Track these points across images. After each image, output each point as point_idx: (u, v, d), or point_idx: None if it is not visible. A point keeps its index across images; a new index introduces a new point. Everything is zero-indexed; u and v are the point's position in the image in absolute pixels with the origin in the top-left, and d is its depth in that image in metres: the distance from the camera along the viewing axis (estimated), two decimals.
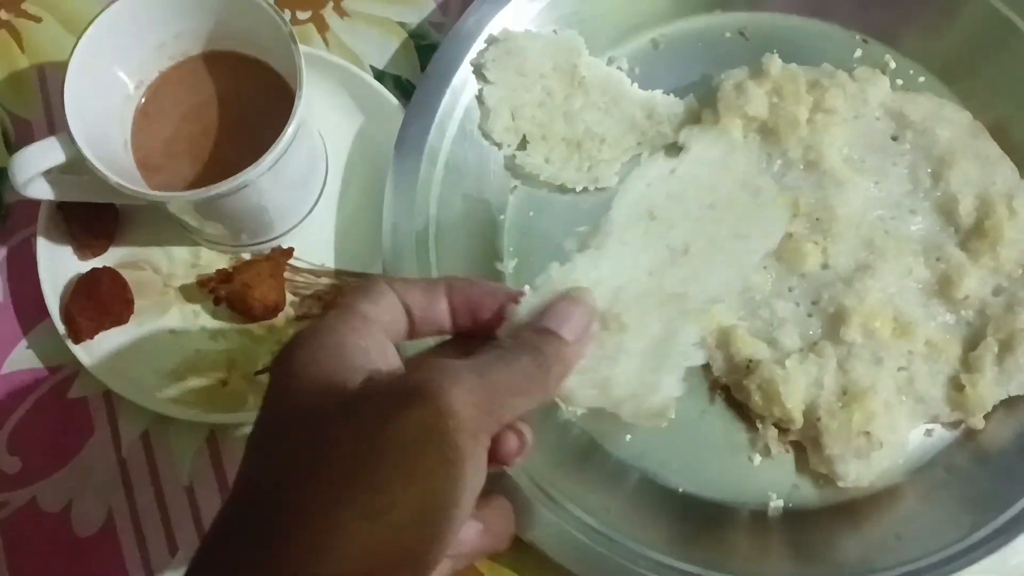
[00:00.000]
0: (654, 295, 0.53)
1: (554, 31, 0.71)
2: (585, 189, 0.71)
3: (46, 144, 0.59)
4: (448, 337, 0.49)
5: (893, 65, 0.72)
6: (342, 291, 0.68)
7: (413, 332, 0.47)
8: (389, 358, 0.44)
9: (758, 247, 0.61)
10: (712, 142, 0.65)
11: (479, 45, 0.70)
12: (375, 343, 0.43)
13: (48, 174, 0.61)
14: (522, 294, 0.48)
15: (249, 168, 0.57)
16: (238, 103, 0.64)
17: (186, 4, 0.61)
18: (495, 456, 0.45)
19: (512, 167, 0.71)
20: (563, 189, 0.71)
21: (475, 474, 0.41)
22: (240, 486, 0.42)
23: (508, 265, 0.70)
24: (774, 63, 0.68)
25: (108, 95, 0.62)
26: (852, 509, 0.63)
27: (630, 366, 0.50)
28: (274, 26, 0.59)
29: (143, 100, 0.64)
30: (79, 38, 0.58)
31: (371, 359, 0.43)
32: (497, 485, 0.60)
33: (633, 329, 0.51)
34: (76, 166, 0.59)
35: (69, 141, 0.57)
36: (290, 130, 0.58)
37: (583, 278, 0.50)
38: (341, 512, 0.38)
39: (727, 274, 0.57)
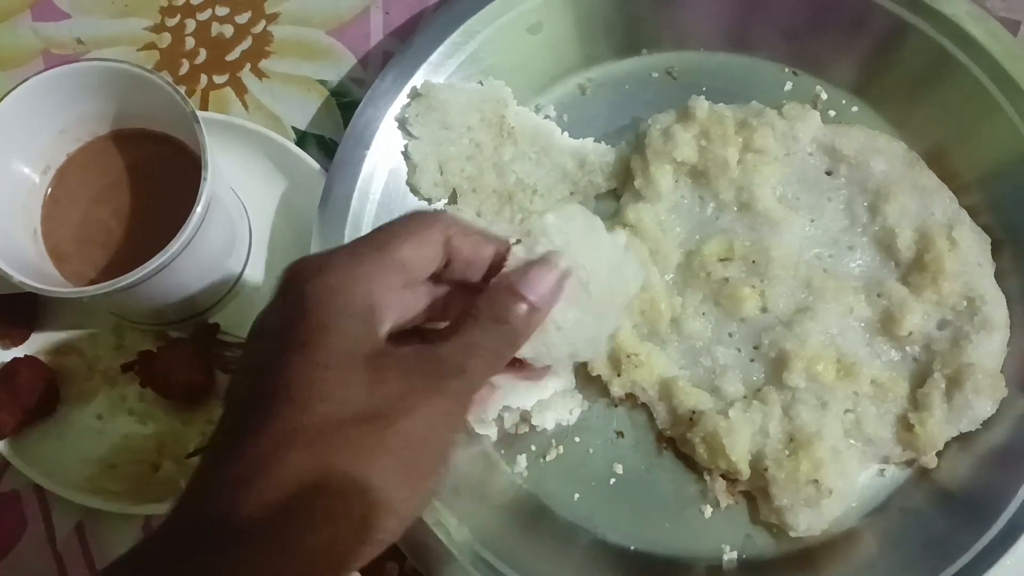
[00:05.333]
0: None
1: (479, 82, 0.70)
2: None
3: None
4: None
5: (825, 96, 0.70)
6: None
7: (440, 277, 0.49)
8: (406, 308, 0.48)
9: None
10: None
11: (402, 100, 0.69)
12: (399, 299, 0.47)
13: None
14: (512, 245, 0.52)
15: (158, 255, 0.55)
16: (149, 182, 0.62)
17: (85, 89, 0.59)
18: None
19: None
20: None
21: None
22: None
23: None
24: (700, 105, 0.66)
25: (11, 188, 0.60)
26: (809, 557, 0.62)
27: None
28: (177, 107, 0.57)
29: (50, 187, 0.62)
30: None
31: (390, 316, 0.46)
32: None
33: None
34: None
35: None
36: (198, 210, 0.56)
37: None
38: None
39: None
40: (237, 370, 0.45)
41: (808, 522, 0.60)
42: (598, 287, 0.52)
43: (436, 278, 0.50)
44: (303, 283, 0.44)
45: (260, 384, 0.42)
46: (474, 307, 0.48)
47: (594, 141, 0.70)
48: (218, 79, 0.76)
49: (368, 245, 0.46)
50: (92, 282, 0.60)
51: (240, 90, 0.75)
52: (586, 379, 0.65)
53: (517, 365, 0.53)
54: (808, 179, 0.67)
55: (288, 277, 0.46)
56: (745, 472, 0.61)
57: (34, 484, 0.66)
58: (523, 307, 0.48)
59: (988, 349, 0.62)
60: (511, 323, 0.48)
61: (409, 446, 0.42)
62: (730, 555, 0.62)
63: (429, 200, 0.69)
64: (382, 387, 0.42)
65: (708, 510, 0.63)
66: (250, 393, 0.43)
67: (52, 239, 0.61)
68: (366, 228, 0.66)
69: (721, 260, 0.65)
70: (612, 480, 0.64)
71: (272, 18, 0.77)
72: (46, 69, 0.59)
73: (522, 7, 0.69)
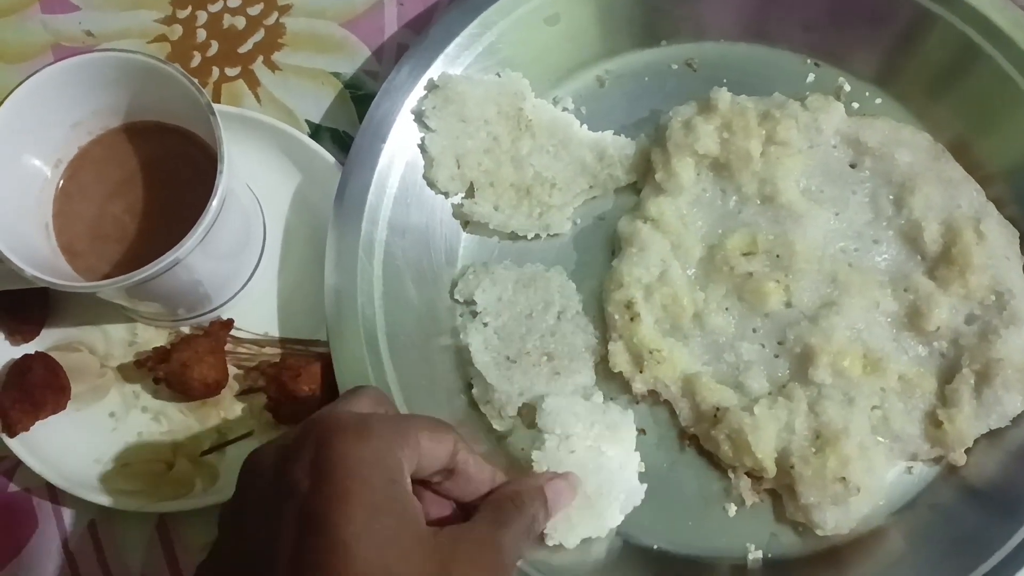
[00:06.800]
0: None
1: (497, 74, 0.69)
2: (537, 236, 0.68)
3: None
4: None
5: (848, 88, 0.69)
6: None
7: (438, 490, 0.53)
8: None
9: None
10: None
11: (418, 92, 0.67)
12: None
13: None
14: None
15: (172, 250, 0.54)
16: (163, 175, 0.61)
17: (98, 81, 0.58)
18: None
19: (460, 215, 0.68)
20: (514, 237, 0.68)
21: None
22: None
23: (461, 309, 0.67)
24: (722, 97, 0.65)
25: (22, 182, 0.59)
26: (835, 556, 0.61)
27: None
28: (192, 98, 0.56)
29: (62, 180, 0.61)
30: None
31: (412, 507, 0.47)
32: None
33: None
34: None
35: None
36: (214, 204, 0.55)
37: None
38: None
39: None
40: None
41: (835, 520, 0.59)
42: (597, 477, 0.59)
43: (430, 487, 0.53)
44: (339, 447, 0.45)
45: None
46: (501, 496, 0.53)
47: (613, 134, 0.69)
48: (230, 72, 0.75)
49: (391, 422, 0.48)
50: (105, 278, 0.59)
51: (253, 83, 0.74)
52: (607, 375, 0.64)
53: None
54: (832, 171, 0.66)
55: (319, 435, 0.45)
56: (771, 470, 0.60)
57: (45, 482, 0.65)
58: (543, 510, 0.55)
59: (1017, 344, 0.61)
60: (537, 520, 0.54)
61: None
62: (755, 554, 0.61)
63: (446, 194, 0.68)
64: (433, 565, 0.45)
65: (732, 508, 0.62)
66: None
67: (65, 235, 0.60)
68: (383, 223, 0.65)
69: (744, 254, 0.64)
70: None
71: (284, 10, 0.76)
72: (56, 62, 0.58)
73: None
